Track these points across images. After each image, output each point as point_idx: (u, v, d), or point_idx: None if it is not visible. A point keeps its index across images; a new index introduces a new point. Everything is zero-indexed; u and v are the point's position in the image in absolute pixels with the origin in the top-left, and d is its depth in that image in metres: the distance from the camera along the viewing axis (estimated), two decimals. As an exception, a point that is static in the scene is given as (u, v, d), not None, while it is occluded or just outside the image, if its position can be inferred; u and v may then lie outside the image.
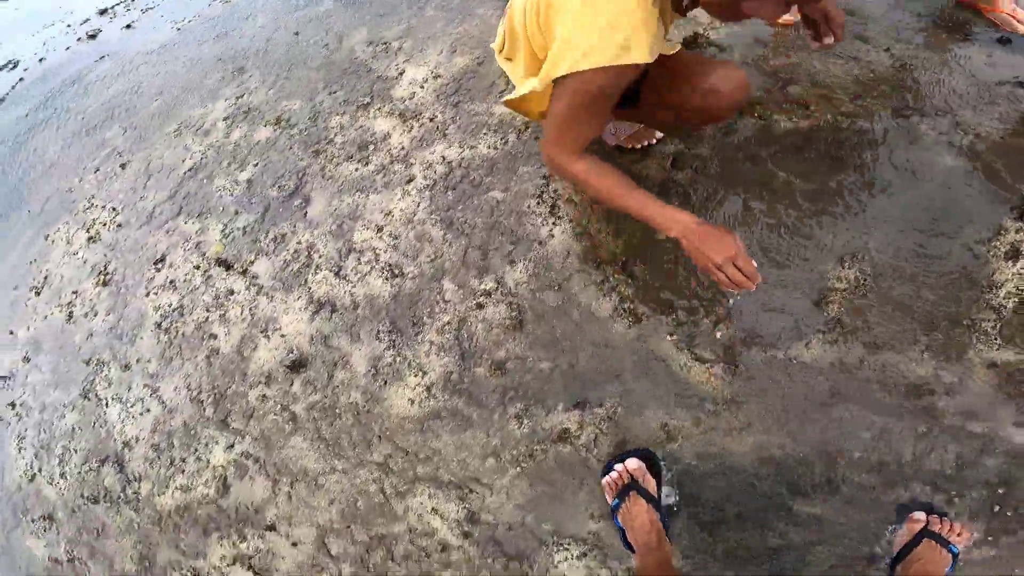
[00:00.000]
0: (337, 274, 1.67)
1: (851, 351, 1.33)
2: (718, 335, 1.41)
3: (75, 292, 2.10)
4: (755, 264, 1.07)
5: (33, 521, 1.80)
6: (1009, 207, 1.39)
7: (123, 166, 2.29)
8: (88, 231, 2.22)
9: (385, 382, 1.56)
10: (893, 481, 1.25)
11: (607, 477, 1.27)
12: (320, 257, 1.69)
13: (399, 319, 1.59)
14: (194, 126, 2.19)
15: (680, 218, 1.10)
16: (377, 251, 1.65)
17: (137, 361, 1.88)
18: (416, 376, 1.54)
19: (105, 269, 2.08)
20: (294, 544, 1.58)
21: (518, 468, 1.46)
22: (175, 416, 1.78)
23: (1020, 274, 1.32)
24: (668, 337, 1.42)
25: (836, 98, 1.60)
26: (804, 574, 1.23)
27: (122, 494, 1.73)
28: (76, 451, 1.84)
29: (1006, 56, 1.64)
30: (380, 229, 1.68)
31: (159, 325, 1.87)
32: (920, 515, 1.10)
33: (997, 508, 1.19)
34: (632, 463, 1.25)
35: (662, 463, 1.27)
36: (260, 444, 1.66)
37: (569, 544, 1.41)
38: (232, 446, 1.70)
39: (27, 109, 2.85)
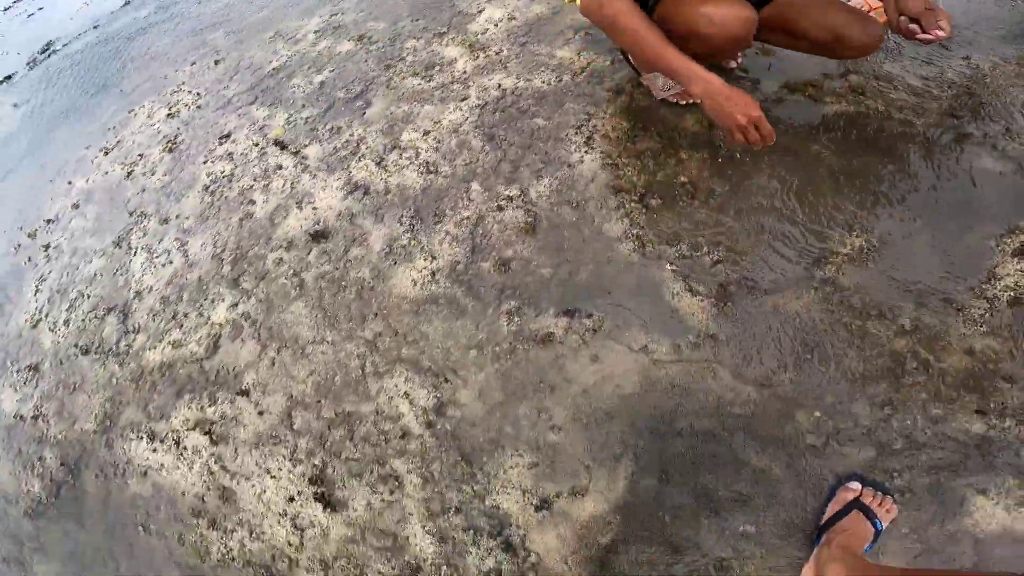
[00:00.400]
0: (378, 164, 1.76)
1: (838, 312, 1.31)
2: (714, 272, 1.41)
3: (141, 155, 2.28)
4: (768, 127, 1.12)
5: (18, 372, 1.88)
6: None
7: (217, 62, 2.52)
8: (169, 109, 2.42)
9: (395, 262, 1.60)
10: (843, 447, 1.19)
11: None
12: (367, 148, 1.79)
13: (423, 209, 1.64)
14: (287, 35, 2.41)
15: (706, 75, 1.13)
16: (419, 150, 1.73)
17: (176, 216, 2.00)
18: (425, 260, 1.57)
19: (174, 139, 2.26)
20: (260, 413, 1.59)
21: (497, 365, 1.45)
22: (193, 270, 1.87)
23: (1022, 271, 1.28)
24: (668, 266, 1.41)
25: (894, 92, 1.62)
26: (734, 527, 1.17)
27: (114, 346, 1.79)
28: (88, 297, 1.94)
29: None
30: (427, 133, 1.77)
31: (206, 188, 2.00)
32: (855, 485, 1.07)
33: (933, 494, 1.11)
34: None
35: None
36: (262, 306, 1.72)
37: (524, 452, 1.38)
38: (236, 305, 1.76)
39: (147, 12, 3.20)
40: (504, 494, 1.37)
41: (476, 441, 1.42)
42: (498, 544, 1.35)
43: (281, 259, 1.75)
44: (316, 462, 1.51)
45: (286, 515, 1.49)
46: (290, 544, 1.47)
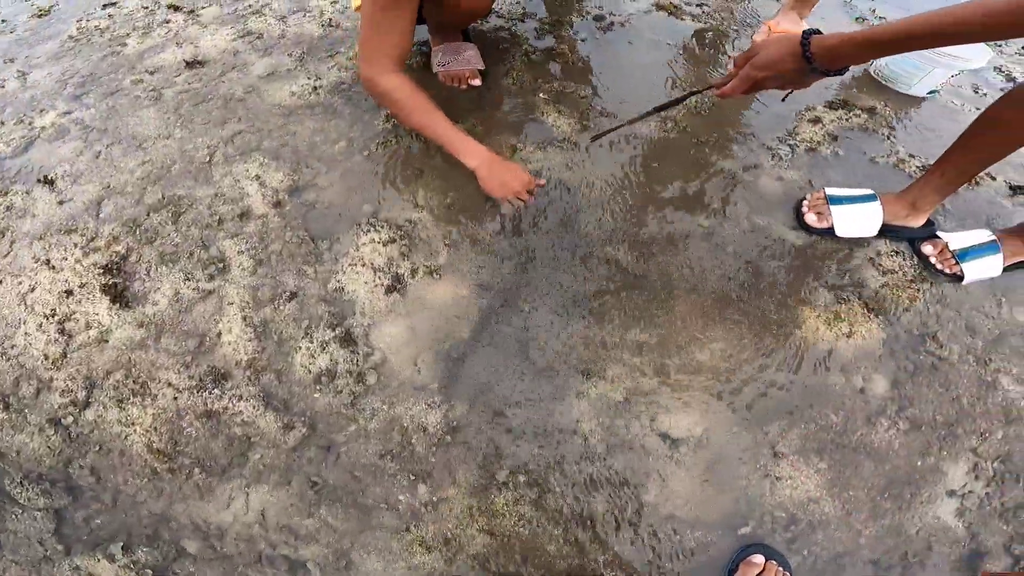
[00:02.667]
0: (280, 19, 1.74)
1: (680, 140, 1.44)
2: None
3: (3, 20, 2.07)
4: (538, 179, 1.21)
5: None
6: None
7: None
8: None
9: (275, 81, 1.52)
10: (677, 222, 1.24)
11: None
12: (270, 10, 1.79)
13: (316, 48, 1.61)
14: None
15: (477, 151, 1.15)
16: (324, 11, 1.76)
17: (25, 57, 1.77)
18: (309, 79, 1.51)
19: (47, 8, 2.08)
20: (61, 203, 1.33)
21: (366, 153, 1.36)
22: (27, 91, 1.62)
23: (815, 132, 1.50)
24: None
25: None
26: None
27: None
28: None
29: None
30: (335, 2, 1.81)
31: (72, 37, 1.82)
32: (758, 559, 1.00)
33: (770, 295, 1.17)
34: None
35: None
36: (101, 115, 1.51)
37: (382, 227, 1.24)
38: (69, 112, 1.53)
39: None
40: (352, 274, 1.19)
41: (329, 221, 1.27)
42: (336, 336, 1.13)
43: (141, 80, 1.59)
44: (118, 249, 1.23)
45: (52, 316, 1.16)
46: (46, 357, 1.12)
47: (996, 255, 1.20)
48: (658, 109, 1.13)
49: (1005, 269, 1.22)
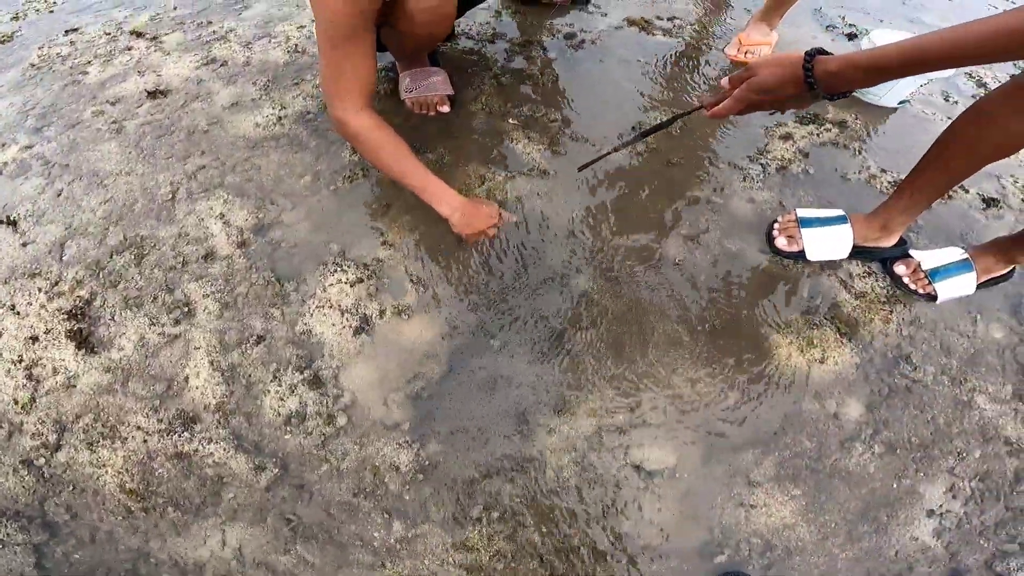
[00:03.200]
0: (245, 45, 1.71)
1: (651, 164, 1.45)
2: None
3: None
4: (509, 215, 1.22)
5: None
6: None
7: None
8: (15, 13, 2.21)
9: (239, 112, 1.49)
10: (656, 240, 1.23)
11: None
12: (235, 36, 1.75)
13: (282, 76, 1.58)
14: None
15: (450, 198, 1.13)
16: (290, 37, 1.73)
17: None
18: (274, 109, 1.48)
19: (10, 35, 2.03)
20: (24, 244, 1.29)
21: (333, 188, 1.33)
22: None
23: (786, 149, 1.50)
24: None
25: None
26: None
27: None
28: None
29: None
30: (302, 27, 1.77)
31: (33, 65, 1.78)
32: None
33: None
34: None
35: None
36: (63, 149, 1.47)
37: (349, 267, 1.23)
38: (31, 147, 1.49)
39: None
40: (320, 316, 1.17)
41: (296, 261, 1.25)
42: (305, 379, 1.12)
43: (102, 111, 1.55)
44: (82, 293, 1.21)
45: (20, 363, 1.14)
46: (16, 402, 1.10)
47: (969, 273, 1.20)
48: (643, 134, 1.11)
49: (979, 286, 1.23)
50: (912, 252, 1.26)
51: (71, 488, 1.05)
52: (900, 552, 1.04)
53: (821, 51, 0.83)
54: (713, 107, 0.97)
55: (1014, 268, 1.24)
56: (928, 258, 1.23)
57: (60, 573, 1.00)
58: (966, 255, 1.21)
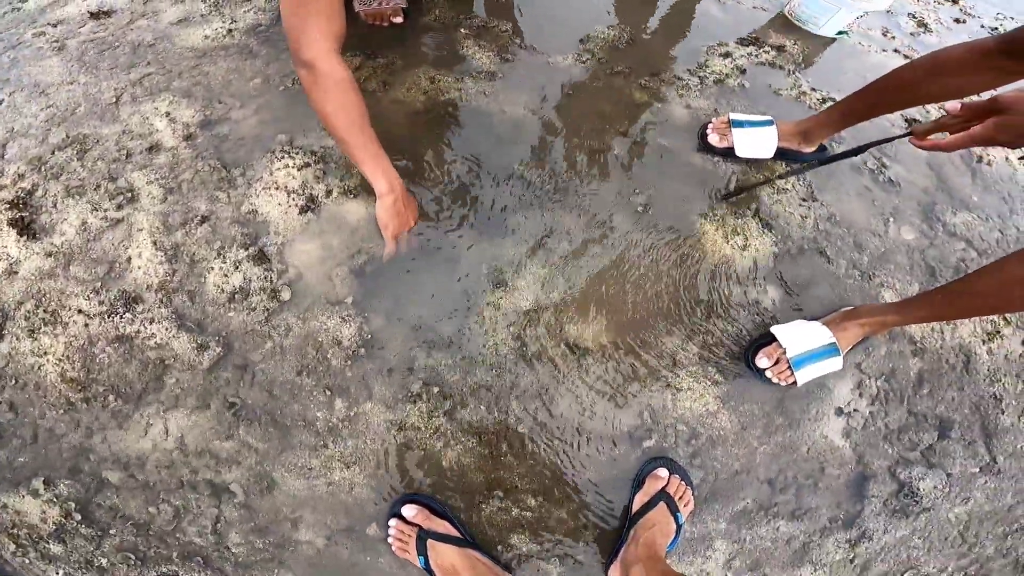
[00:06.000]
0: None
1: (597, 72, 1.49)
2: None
3: None
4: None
5: None
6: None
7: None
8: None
9: (187, 27, 1.48)
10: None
11: (394, 544, 0.99)
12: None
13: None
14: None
15: (392, 179, 1.05)
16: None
17: None
18: (224, 22, 1.47)
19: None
20: None
21: (283, 88, 1.34)
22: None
23: (724, 65, 1.57)
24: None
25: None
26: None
27: None
28: None
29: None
30: None
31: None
32: (663, 472, 1.01)
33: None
34: (409, 511, 0.99)
35: (441, 505, 1.03)
36: (3, 67, 1.42)
37: (297, 153, 1.23)
38: (-36, 68, 1.45)
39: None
40: (266, 197, 1.17)
41: (243, 151, 1.24)
42: (250, 255, 1.11)
43: (43, 32, 1.52)
44: (24, 185, 1.18)
45: None
46: None
47: (835, 357, 1.10)
48: (834, 158, 1.09)
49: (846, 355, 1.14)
50: (777, 330, 1.12)
51: (13, 383, 1.03)
52: (811, 449, 1.08)
53: None
54: (926, 135, 0.88)
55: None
56: (795, 343, 1.10)
57: (2, 477, 0.97)
58: (832, 340, 1.10)
